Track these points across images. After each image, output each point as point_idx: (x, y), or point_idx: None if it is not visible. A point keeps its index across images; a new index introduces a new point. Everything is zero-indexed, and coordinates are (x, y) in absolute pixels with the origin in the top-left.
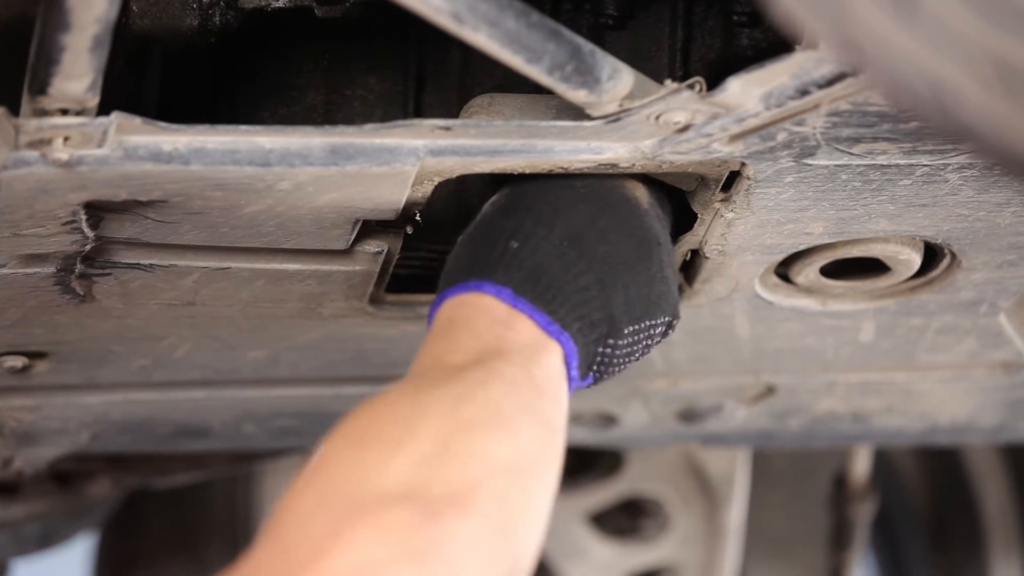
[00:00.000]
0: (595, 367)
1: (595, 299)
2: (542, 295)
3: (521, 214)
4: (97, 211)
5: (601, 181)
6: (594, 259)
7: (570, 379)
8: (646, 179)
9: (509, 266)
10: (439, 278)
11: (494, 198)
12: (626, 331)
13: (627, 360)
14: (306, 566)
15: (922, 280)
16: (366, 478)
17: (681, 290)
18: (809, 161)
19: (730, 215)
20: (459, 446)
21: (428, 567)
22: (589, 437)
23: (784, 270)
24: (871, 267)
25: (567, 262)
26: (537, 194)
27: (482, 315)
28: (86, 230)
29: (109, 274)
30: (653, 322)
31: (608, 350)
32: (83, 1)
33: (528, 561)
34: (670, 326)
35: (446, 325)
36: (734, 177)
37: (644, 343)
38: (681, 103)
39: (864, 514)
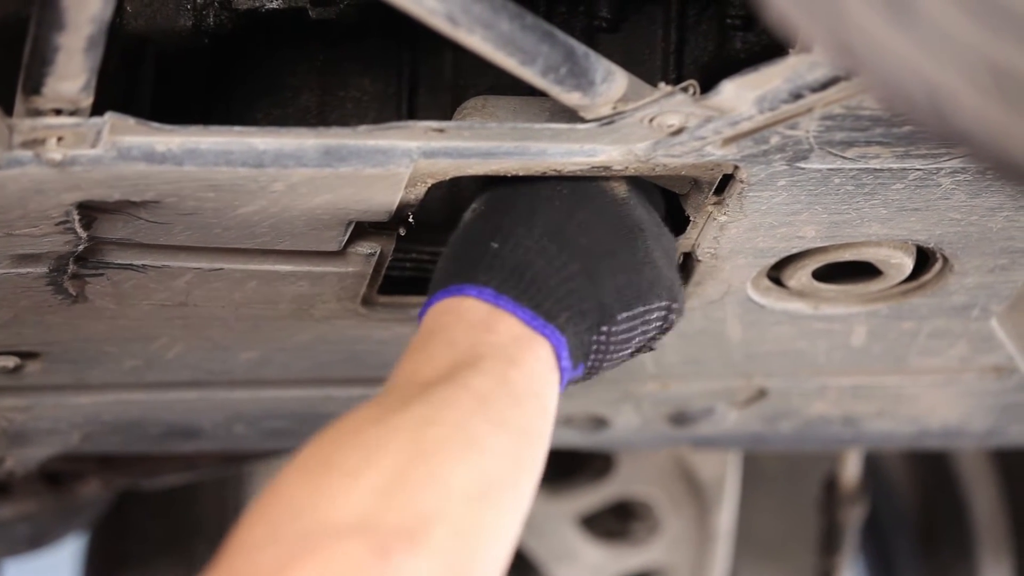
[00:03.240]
0: (591, 356)
1: (582, 288)
2: (526, 291)
3: (499, 216)
4: (90, 211)
5: (577, 178)
6: (576, 250)
7: (562, 370)
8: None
9: (491, 266)
10: (431, 281)
11: (473, 205)
12: (619, 317)
13: (624, 348)
14: None
15: (914, 284)
16: (319, 509)
17: None
18: (802, 165)
19: (723, 218)
20: (418, 474)
21: None
22: (580, 440)
23: (776, 273)
24: (863, 271)
25: (549, 256)
26: (514, 195)
27: (461, 321)
28: (79, 230)
29: (102, 274)
30: (648, 307)
31: (603, 338)
32: (77, 1)
33: None
34: (669, 311)
35: (424, 336)
36: (727, 180)
37: (641, 330)
38: (675, 106)
39: (854, 518)
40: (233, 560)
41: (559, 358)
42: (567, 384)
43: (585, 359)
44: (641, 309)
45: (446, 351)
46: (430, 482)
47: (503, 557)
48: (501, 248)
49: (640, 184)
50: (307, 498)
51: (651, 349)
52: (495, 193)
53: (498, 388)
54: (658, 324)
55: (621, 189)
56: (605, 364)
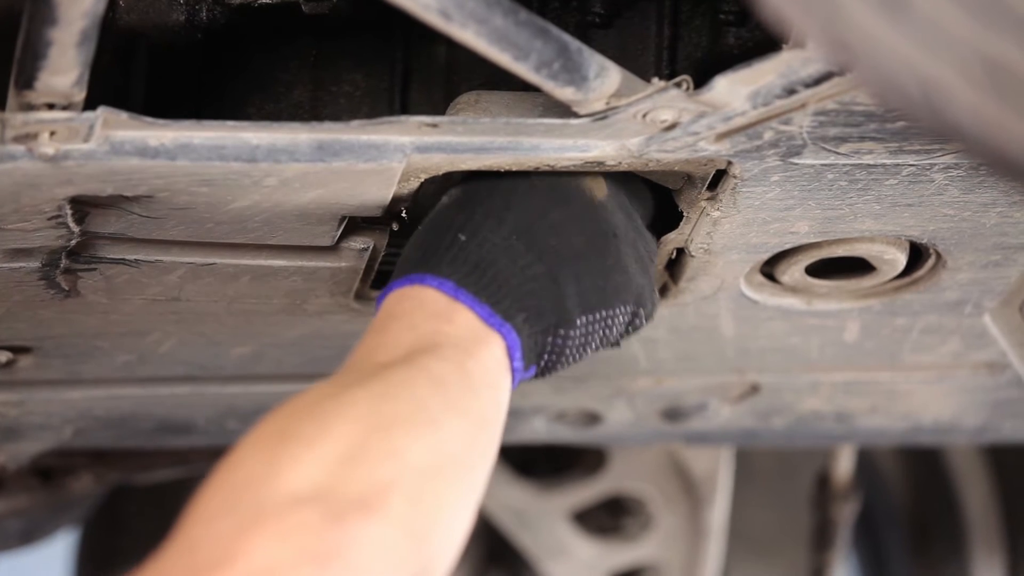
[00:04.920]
0: (545, 356)
1: (543, 290)
2: (486, 287)
3: (472, 208)
4: (83, 206)
5: (558, 176)
6: (544, 251)
7: (513, 370)
8: (613, 174)
9: (455, 259)
10: (398, 262)
11: (449, 191)
12: (579, 322)
13: (581, 350)
14: (211, 572)
15: (907, 280)
16: (275, 478)
17: (666, 288)
18: (795, 160)
19: (716, 214)
20: (375, 445)
21: (330, 570)
22: (573, 435)
23: (769, 269)
24: (856, 267)
25: (514, 254)
26: (491, 188)
27: (421, 308)
28: (71, 225)
29: (94, 269)
30: (610, 312)
31: (559, 340)
32: None
33: (442, 565)
34: (636, 316)
35: (384, 319)
36: (720, 176)
37: (601, 334)
38: (668, 101)
39: (846, 514)
40: (190, 531)
41: (512, 358)
42: (519, 383)
43: (538, 360)
44: (603, 314)
45: (406, 335)
46: (387, 453)
47: (459, 536)
48: (468, 242)
49: (624, 186)
50: (263, 468)
51: (616, 345)
52: (473, 184)
53: (455, 375)
54: (621, 328)
55: (600, 192)
56: (560, 365)
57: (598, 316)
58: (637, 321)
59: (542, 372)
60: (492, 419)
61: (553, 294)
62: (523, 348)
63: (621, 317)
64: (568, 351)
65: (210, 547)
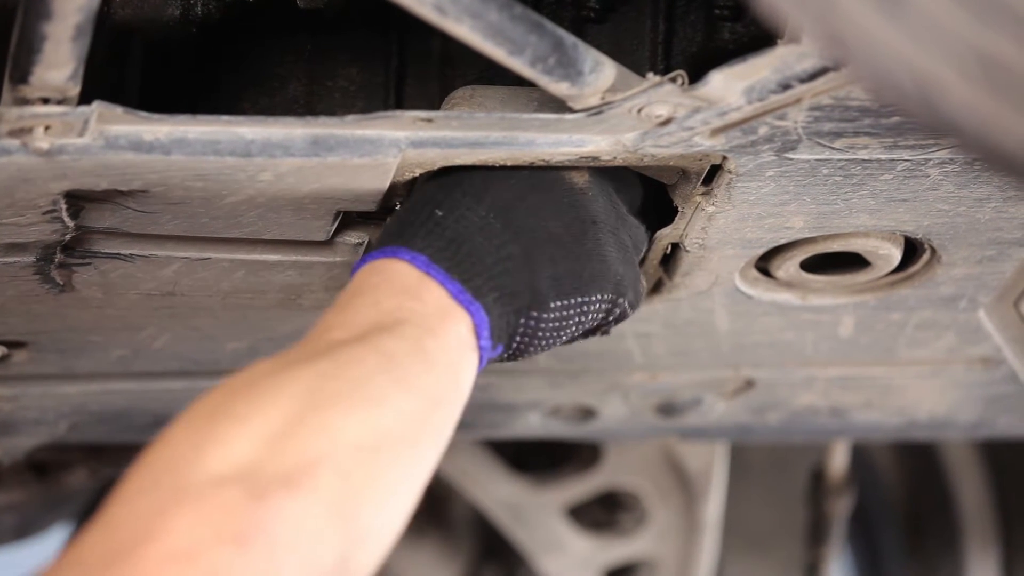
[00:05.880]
0: (517, 338)
1: (517, 270)
2: (459, 264)
3: (451, 186)
4: (77, 200)
5: None
6: (520, 232)
7: (480, 348)
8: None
9: (430, 233)
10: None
11: (433, 171)
12: (552, 305)
13: (555, 336)
14: (130, 551)
15: (902, 275)
16: (200, 458)
17: (661, 283)
18: (790, 155)
19: (711, 209)
20: (308, 423)
21: (250, 549)
22: (567, 430)
23: (764, 264)
24: (851, 262)
25: (491, 233)
26: (472, 169)
27: (389, 283)
28: (66, 219)
29: (89, 264)
30: (586, 299)
31: (532, 323)
32: None
33: (375, 542)
34: (615, 305)
35: (349, 295)
36: (715, 171)
37: (576, 320)
38: (663, 96)
39: (841, 509)
40: (112, 510)
41: (479, 336)
42: (487, 362)
43: (509, 340)
44: (578, 300)
45: (367, 312)
46: (318, 431)
47: (396, 515)
48: (445, 217)
49: (609, 174)
50: (188, 447)
51: (605, 333)
52: (457, 166)
53: (410, 353)
54: (600, 316)
55: (581, 179)
56: (532, 348)
57: (573, 302)
58: (617, 310)
59: (513, 354)
60: (447, 398)
61: (527, 275)
62: (491, 327)
63: (598, 305)
64: (541, 334)
65: (130, 526)
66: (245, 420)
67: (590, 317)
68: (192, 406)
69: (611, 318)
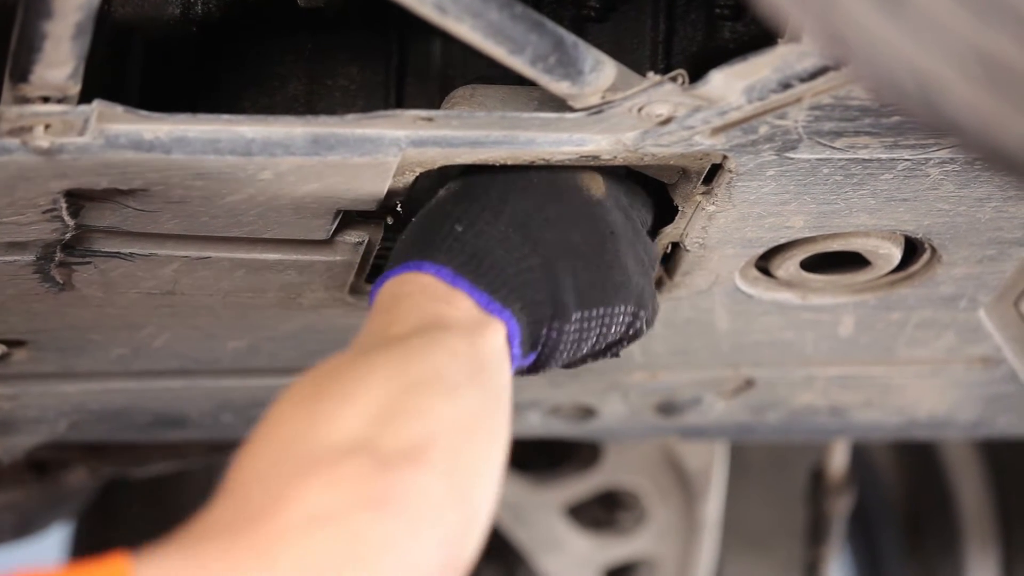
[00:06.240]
0: (539, 349)
1: (538, 281)
2: (483, 276)
3: (469, 200)
4: (78, 199)
5: (556, 172)
6: (539, 244)
7: (512, 357)
8: (612, 173)
9: (452, 248)
10: (393, 251)
11: (448, 185)
12: (575, 316)
13: (577, 347)
14: (262, 518)
15: (902, 274)
16: (319, 430)
17: (661, 283)
18: (791, 155)
19: (711, 208)
20: (407, 404)
21: (385, 515)
22: (567, 429)
23: (764, 263)
24: (851, 261)
25: (511, 246)
26: (488, 182)
27: (422, 292)
28: (66, 218)
29: (89, 262)
30: (608, 310)
31: (554, 333)
32: None
33: (481, 525)
34: (636, 317)
35: (388, 301)
36: (715, 170)
37: (599, 331)
38: (663, 96)
39: (841, 508)
40: (237, 487)
41: (511, 344)
42: (515, 374)
43: (533, 349)
44: (600, 311)
45: (413, 313)
46: (419, 411)
47: (491, 500)
48: (465, 232)
49: (623, 189)
50: (305, 422)
51: (615, 355)
52: (470, 178)
53: (467, 350)
54: (622, 330)
55: (598, 190)
56: (554, 360)
57: (596, 313)
58: (638, 323)
59: (535, 366)
60: (504, 398)
61: (548, 286)
62: (521, 336)
63: (620, 317)
64: (563, 345)
65: (260, 495)
66: (348, 400)
67: (613, 329)
68: (287, 394)
69: (631, 331)
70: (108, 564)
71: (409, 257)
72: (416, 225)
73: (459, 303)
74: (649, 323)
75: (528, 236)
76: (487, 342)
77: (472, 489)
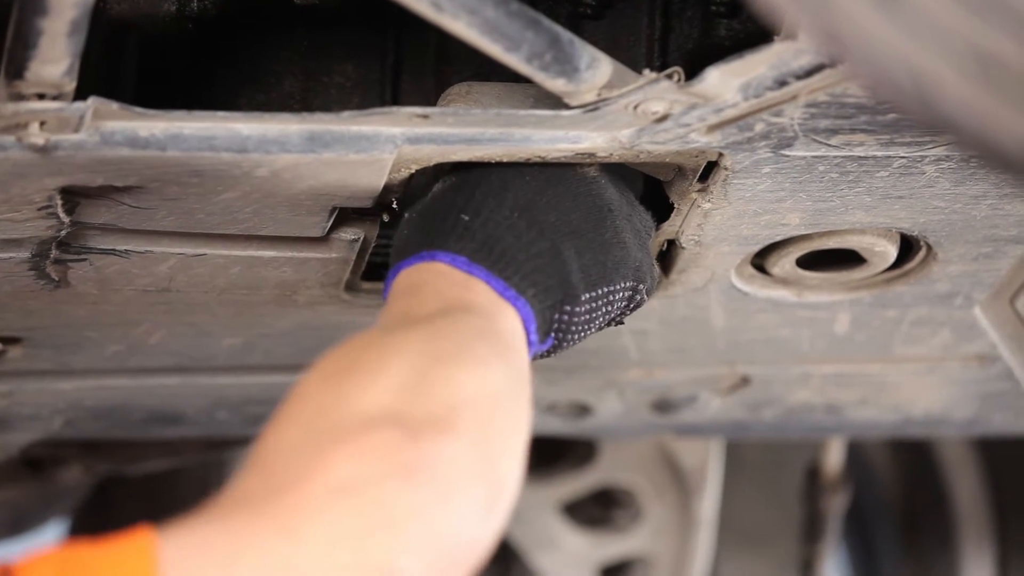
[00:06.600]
0: (553, 334)
1: (548, 266)
2: (496, 262)
3: (470, 189)
4: (73, 196)
5: None
6: (545, 227)
7: (529, 344)
8: None
9: (462, 237)
10: (394, 247)
11: (443, 179)
12: (583, 298)
13: (587, 328)
14: (289, 489)
15: (898, 272)
16: (347, 404)
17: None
18: (786, 152)
19: (707, 205)
20: (436, 376)
21: (415, 483)
22: (563, 427)
23: (760, 261)
24: (847, 259)
25: (518, 231)
26: (485, 170)
27: (442, 278)
28: (62, 215)
29: (84, 260)
30: (611, 288)
31: (566, 317)
32: None
33: (510, 494)
34: (635, 291)
35: (406, 288)
36: (711, 167)
37: (604, 310)
38: (659, 93)
39: (836, 506)
40: (267, 457)
41: (528, 331)
42: (531, 359)
43: (547, 335)
44: (605, 290)
45: (435, 296)
46: (448, 383)
47: (518, 470)
48: (472, 220)
49: (614, 167)
50: (333, 396)
51: (620, 323)
52: (466, 170)
53: (489, 330)
54: (623, 305)
55: (592, 169)
56: (566, 343)
57: (600, 292)
58: (638, 297)
59: (551, 350)
60: (526, 379)
61: (558, 270)
62: (536, 322)
63: (622, 293)
64: (574, 328)
65: (288, 466)
66: (376, 373)
67: (616, 306)
68: (315, 369)
69: (631, 305)
70: (133, 538)
71: (420, 247)
72: (419, 217)
73: (478, 288)
74: (649, 292)
75: (533, 220)
76: (508, 324)
77: (500, 460)
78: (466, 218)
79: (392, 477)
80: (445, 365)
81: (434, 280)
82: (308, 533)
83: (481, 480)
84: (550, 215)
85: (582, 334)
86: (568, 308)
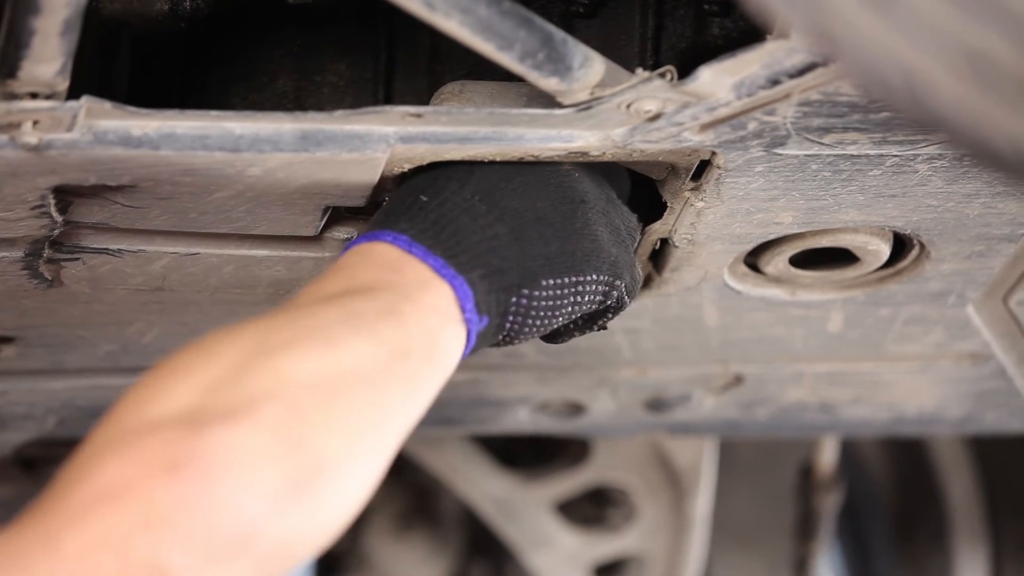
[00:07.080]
0: (511, 317)
1: (504, 248)
2: (443, 242)
3: (436, 172)
4: (66, 195)
5: None
6: (506, 212)
7: (467, 321)
8: None
9: (414, 217)
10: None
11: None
12: (544, 283)
13: (551, 316)
14: (59, 496)
15: (891, 270)
16: (140, 408)
17: (650, 278)
18: (779, 151)
19: (700, 204)
20: (256, 367)
21: (181, 477)
22: (556, 426)
23: (753, 260)
24: (840, 257)
25: (476, 214)
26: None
27: (368, 260)
28: (55, 214)
29: (77, 259)
30: (580, 279)
31: (523, 300)
32: None
33: (334, 473)
34: (612, 287)
35: (335, 267)
36: (704, 166)
37: (572, 300)
38: (652, 92)
39: (830, 505)
40: (67, 467)
41: (463, 308)
42: (478, 339)
43: (501, 319)
44: (572, 279)
45: (339, 282)
46: (265, 372)
47: (366, 451)
48: (429, 202)
49: (597, 163)
50: (132, 401)
51: (603, 328)
52: None
53: (379, 311)
54: (597, 299)
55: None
56: (527, 329)
57: (567, 280)
58: (615, 294)
59: (509, 335)
60: (420, 354)
61: (516, 254)
62: (477, 301)
63: (594, 286)
64: (535, 313)
65: (66, 475)
66: (189, 372)
67: (586, 298)
68: (153, 367)
69: (609, 302)
70: None
71: (372, 227)
72: (388, 201)
73: (407, 268)
74: (629, 293)
75: (495, 204)
76: (418, 302)
77: (318, 437)
78: (424, 199)
79: (156, 475)
80: (273, 354)
81: (359, 262)
82: (66, 542)
83: (277, 460)
84: (514, 201)
85: (546, 322)
86: (526, 292)
